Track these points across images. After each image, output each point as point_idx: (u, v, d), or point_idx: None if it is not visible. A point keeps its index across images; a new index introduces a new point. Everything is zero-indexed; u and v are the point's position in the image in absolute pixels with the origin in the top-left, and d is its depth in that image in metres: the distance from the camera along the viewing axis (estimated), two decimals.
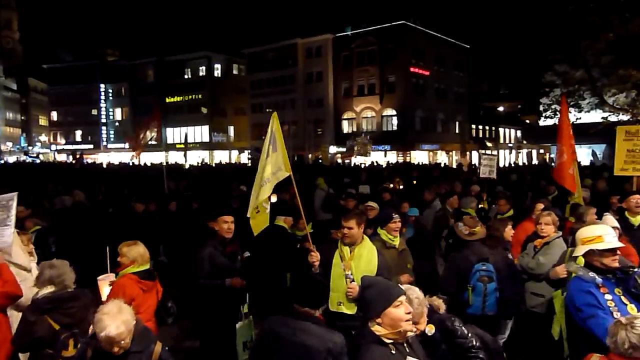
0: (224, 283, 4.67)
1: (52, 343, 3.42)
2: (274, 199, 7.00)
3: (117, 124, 65.24)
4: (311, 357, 2.67)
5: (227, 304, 4.72)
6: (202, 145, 56.28)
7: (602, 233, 3.32)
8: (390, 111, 45.05)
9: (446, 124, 49.17)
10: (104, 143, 65.18)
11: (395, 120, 44.92)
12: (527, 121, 58.85)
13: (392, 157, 42.96)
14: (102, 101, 64.91)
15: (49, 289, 3.61)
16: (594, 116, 22.99)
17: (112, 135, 65.47)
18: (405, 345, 2.57)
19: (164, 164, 14.44)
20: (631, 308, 3.11)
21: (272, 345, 2.84)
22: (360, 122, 46.83)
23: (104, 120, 65.30)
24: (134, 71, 61.90)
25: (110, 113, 65.52)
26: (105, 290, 4.07)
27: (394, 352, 2.50)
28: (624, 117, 20.60)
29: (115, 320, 2.66)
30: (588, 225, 3.56)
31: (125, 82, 62.84)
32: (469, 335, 3.06)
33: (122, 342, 2.69)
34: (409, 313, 2.54)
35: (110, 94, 65.12)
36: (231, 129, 57.84)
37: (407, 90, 43.67)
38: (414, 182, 15.19)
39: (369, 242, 4.45)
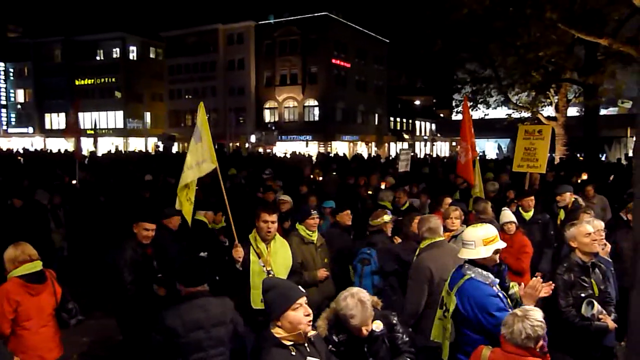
0: (151, 288, 4.53)
1: None
2: None
3: (19, 106, 60.11)
4: (223, 322, 3.22)
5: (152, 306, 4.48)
6: (115, 132, 53.43)
7: (495, 232, 3.43)
8: (312, 102, 45.42)
9: (366, 116, 50.48)
10: (4, 127, 59.84)
11: (317, 111, 45.36)
12: (441, 115, 62.02)
13: (314, 147, 43.41)
14: (2, 81, 59.45)
15: None
16: (500, 112, 24.72)
17: (12, 119, 60.28)
18: (306, 345, 2.61)
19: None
20: (509, 302, 3.30)
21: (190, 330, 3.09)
22: (282, 112, 46.77)
23: (3, 102, 59.88)
24: (39, 50, 57.12)
25: (11, 94, 60.16)
26: None
27: (294, 353, 2.54)
28: (526, 114, 22.34)
29: None
30: (477, 225, 3.54)
31: (28, 62, 57.88)
32: (402, 329, 3.19)
33: None
34: (307, 315, 2.58)
35: (11, 74, 59.79)
36: (148, 115, 55.30)
37: (328, 81, 44.20)
38: (334, 173, 15.46)
39: (280, 237, 4.52)
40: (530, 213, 6.61)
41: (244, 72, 47.68)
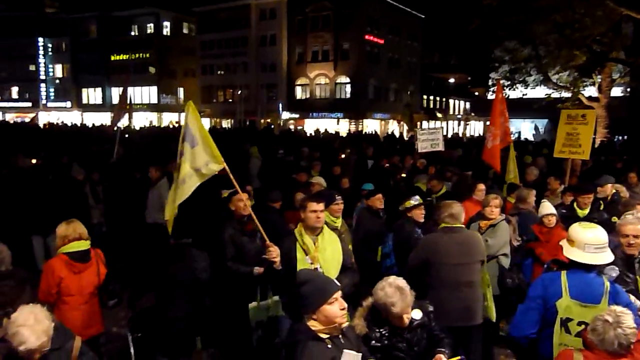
0: (252, 272, 4.43)
1: None
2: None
3: (57, 81, 61.57)
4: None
5: (244, 285, 4.54)
6: (149, 107, 54.27)
7: None
8: (344, 79, 44.92)
9: (398, 94, 49.68)
10: (43, 101, 61.49)
11: (348, 88, 44.89)
12: (476, 93, 60.51)
13: (345, 125, 43.14)
14: (41, 56, 60.85)
15: None
16: (539, 92, 23.88)
17: (52, 93, 61.85)
18: (340, 337, 2.62)
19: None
20: None
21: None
22: (313, 89, 46.49)
23: (42, 77, 61.39)
24: (76, 25, 58.09)
25: (50, 69, 61.60)
26: None
27: (330, 346, 2.55)
28: (566, 94, 21.52)
29: (35, 331, 2.55)
30: (590, 225, 3.34)
31: (66, 37, 58.97)
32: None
33: (44, 349, 2.61)
34: (343, 309, 2.58)
35: (50, 49, 61.10)
36: (180, 91, 55.96)
37: (361, 58, 43.54)
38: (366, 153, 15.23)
39: (329, 230, 4.09)
40: (586, 211, 5.95)
41: (275, 48, 47.42)
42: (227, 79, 50.24)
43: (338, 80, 45.32)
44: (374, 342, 2.96)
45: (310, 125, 41.11)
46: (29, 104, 60.83)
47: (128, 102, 14.63)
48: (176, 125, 34.15)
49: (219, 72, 51.22)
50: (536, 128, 39.10)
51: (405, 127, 39.70)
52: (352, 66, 43.88)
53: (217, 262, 4.61)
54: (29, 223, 7.09)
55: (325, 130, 29.17)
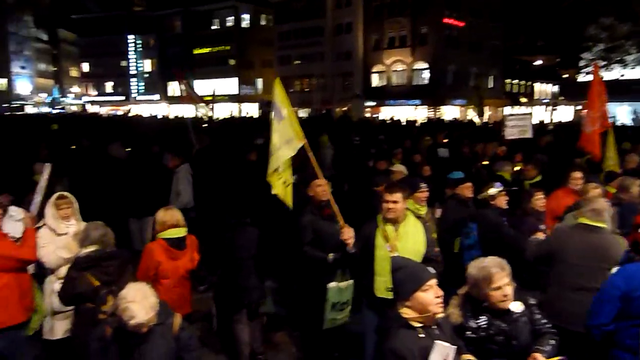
0: (326, 259, 4.42)
1: (93, 298, 3.61)
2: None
3: (146, 75, 65.51)
4: None
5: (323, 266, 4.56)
6: (230, 98, 56.24)
7: None
8: (422, 64, 43.80)
9: (479, 79, 47.56)
10: (134, 95, 65.71)
11: (426, 74, 43.72)
12: (565, 76, 56.62)
13: (422, 112, 42.14)
14: (131, 52, 65.04)
15: (91, 248, 3.77)
16: (639, 72, 21.92)
17: (141, 87, 65.90)
18: (434, 328, 2.55)
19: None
20: None
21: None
22: (390, 76, 45.79)
23: (133, 72, 65.61)
24: (162, 22, 61.52)
25: (140, 64, 65.70)
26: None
27: (422, 335, 2.47)
28: None
29: (143, 307, 2.71)
30: None
31: (153, 34, 62.66)
32: (539, 310, 3.01)
33: (150, 323, 2.78)
34: (438, 297, 2.50)
35: (139, 46, 65.12)
36: (259, 81, 57.47)
37: (439, 42, 42.19)
38: (445, 140, 14.77)
39: (413, 219, 4.04)
40: None
41: (351, 35, 47.19)
42: (304, 69, 50.82)
43: (415, 67, 44.28)
44: (469, 332, 2.83)
45: (387, 113, 40.59)
46: (122, 98, 65.44)
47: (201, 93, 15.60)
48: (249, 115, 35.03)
49: (295, 62, 51.91)
50: (635, 112, 35.87)
51: (487, 113, 37.96)
52: (430, 51, 42.66)
53: (295, 245, 4.71)
54: (126, 207, 7.60)
55: (393, 118, 28.64)
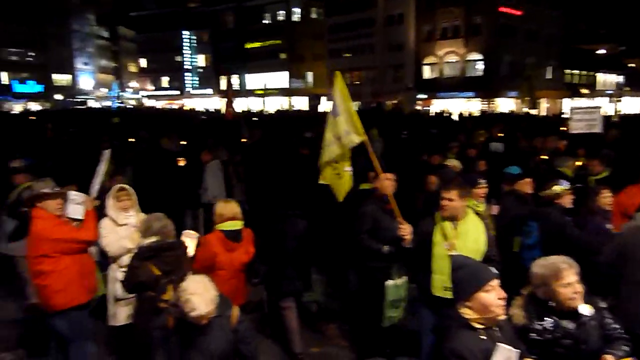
0: (381, 250, 4.43)
1: (153, 286, 3.74)
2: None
3: (200, 70, 67.23)
4: None
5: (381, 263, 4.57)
6: (281, 92, 56.78)
7: None
8: (475, 55, 42.48)
9: (533, 69, 45.56)
10: (188, 89, 67.63)
11: (480, 65, 42.39)
12: (631, 65, 53.40)
13: (476, 104, 40.94)
14: (186, 48, 66.88)
15: (153, 239, 3.91)
16: None
17: (195, 82, 67.70)
18: (495, 329, 2.46)
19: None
20: None
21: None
22: (442, 68, 44.72)
23: (188, 67, 67.49)
24: (215, 18, 62.80)
25: (194, 60, 67.51)
26: (191, 245, 4.25)
27: (483, 337, 2.40)
28: None
29: (204, 299, 2.79)
30: None
31: (207, 29, 64.10)
32: (611, 315, 2.86)
33: (210, 315, 2.86)
34: (501, 298, 2.41)
35: (194, 41, 66.89)
36: (309, 75, 57.64)
37: (494, 32, 40.75)
38: (499, 134, 14.28)
39: (474, 216, 3.94)
40: None
41: (402, 27, 46.40)
42: (354, 61, 50.47)
43: (469, 58, 43.00)
44: (533, 334, 2.71)
45: (439, 106, 39.75)
46: (177, 92, 67.42)
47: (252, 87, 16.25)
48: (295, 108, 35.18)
49: (345, 55, 51.67)
50: None
51: (545, 105, 36.31)
52: (485, 42, 41.29)
53: (353, 236, 4.73)
54: (182, 199, 7.84)
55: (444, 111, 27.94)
